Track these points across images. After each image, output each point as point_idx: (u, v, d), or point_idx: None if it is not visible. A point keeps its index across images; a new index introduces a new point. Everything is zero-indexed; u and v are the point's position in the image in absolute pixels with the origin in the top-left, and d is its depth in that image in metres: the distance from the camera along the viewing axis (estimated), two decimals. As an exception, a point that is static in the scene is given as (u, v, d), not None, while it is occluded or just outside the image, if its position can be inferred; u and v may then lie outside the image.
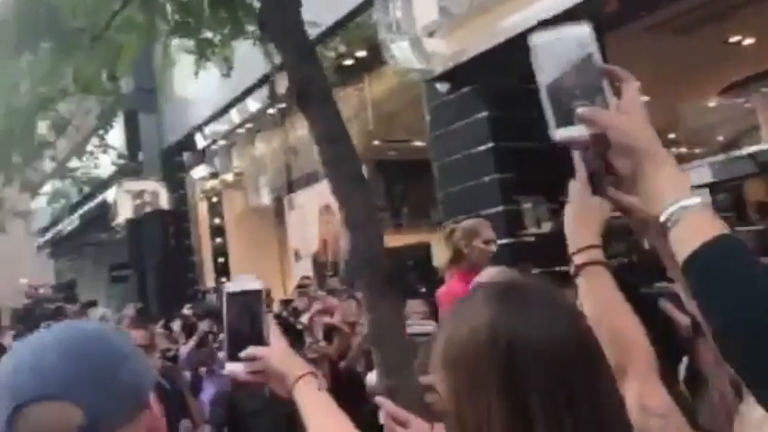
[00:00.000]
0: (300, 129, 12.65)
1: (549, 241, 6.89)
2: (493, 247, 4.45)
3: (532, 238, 7.16)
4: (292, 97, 3.34)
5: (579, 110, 1.08)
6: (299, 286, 9.22)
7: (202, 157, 14.12)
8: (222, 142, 13.66)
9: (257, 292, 1.49)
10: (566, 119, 1.10)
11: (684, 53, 8.73)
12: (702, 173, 8.36)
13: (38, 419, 0.93)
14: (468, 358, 0.94)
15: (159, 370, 4.77)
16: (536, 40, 1.13)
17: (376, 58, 9.41)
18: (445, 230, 4.48)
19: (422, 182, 10.25)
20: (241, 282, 1.52)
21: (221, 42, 3.80)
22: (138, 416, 1.01)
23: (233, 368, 1.44)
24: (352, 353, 6.20)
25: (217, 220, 14.33)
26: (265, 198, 14.29)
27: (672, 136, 12.22)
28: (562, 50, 1.13)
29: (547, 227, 7.16)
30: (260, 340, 1.43)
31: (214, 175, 13.99)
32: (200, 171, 14.08)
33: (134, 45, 3.36)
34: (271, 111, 12.22)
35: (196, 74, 3.96)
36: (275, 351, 1.42)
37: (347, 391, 6.23)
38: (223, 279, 13.47)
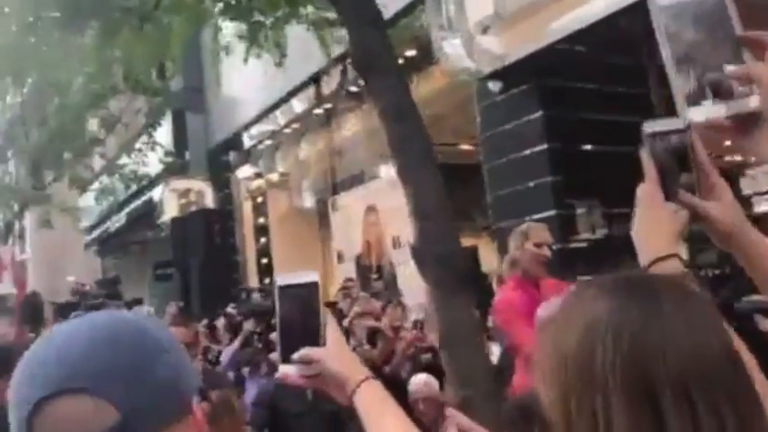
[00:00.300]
0: (346, 130, 12.60)
1: (603, 248, 6.66)
2: (545, 251, 4.21)
3: (584, 244, 6.90)
4: (357, 69, 3.15)
5: (730, 68, 0.89)
6: (343, 288, 9.11)
7: (248, 157, 14.14)
8: (268, 142, 13.65)
9: (312, 285, 1.31)
10: (697, 95, 0.93)
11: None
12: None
13: (60, 416, 0.78)
14: (583, 355, 0.80)
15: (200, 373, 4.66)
16: (661, 1, 0.95)
17: (425, 58, 9.25)
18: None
19: (467, 185, 10.05)
20: (295, 275, 1.35)
21: (274, 26, 3.65)
22: (180, 419, 0.86)
23: (286, 371, 1.26)
24: (396, 358, 6.04)
25: (261, 220, 14.32)
26: (309, 199, 14.21)
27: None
28: (692, 14, 0.95)
29: (601, 233, 6.91)
30: (315, 340, 1.26)
31: (259, 175, 13.99)
32: (245, 171, 14.09)
33: (183, 27, 3.25)
34: (317, 111, 12.16)
35: (245, 60, 3.82)
36: (332, 352, 1.24)
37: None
38: (267, 279, 13.44)
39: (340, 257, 11.75)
